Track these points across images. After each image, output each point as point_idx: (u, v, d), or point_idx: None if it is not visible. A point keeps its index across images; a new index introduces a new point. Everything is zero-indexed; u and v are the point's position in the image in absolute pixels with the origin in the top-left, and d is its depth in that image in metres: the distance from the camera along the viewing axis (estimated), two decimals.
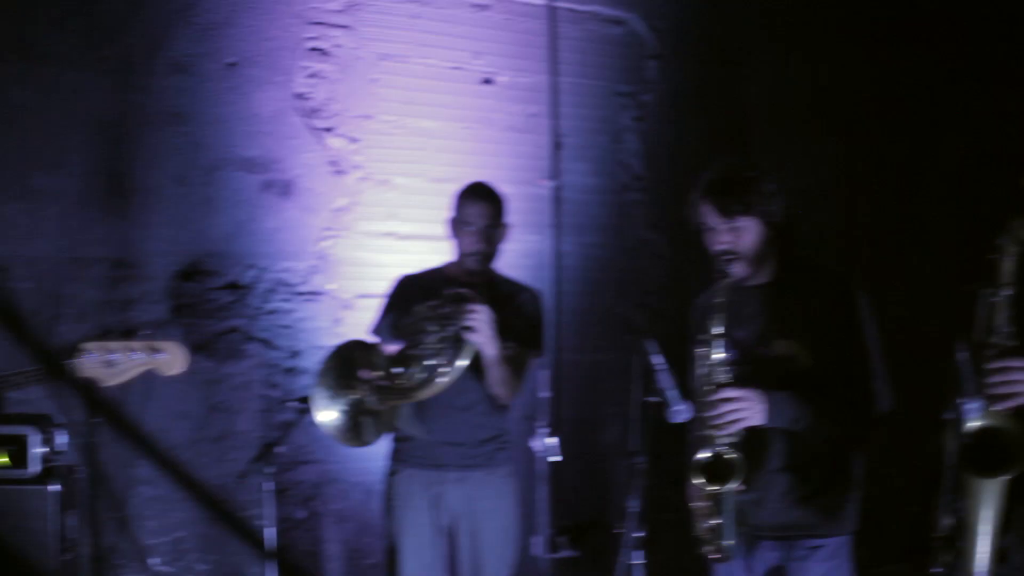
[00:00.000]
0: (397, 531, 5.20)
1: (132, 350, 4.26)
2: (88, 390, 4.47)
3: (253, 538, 5.10)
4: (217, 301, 6.30)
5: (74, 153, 6.07)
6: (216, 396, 6.28)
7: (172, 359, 4.33)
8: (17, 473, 5.06)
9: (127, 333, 4.35)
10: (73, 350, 4.18)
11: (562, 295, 5.72)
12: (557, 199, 5.79)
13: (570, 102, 6.71)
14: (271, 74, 6.49)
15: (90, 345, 4.22)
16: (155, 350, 4.31)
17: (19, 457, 5.05)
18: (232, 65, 6.41)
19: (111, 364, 4.21)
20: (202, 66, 6.35)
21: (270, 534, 5.20)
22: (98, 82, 6.13)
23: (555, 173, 5.84)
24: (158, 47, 6.26)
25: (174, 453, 6.08)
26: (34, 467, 5.07)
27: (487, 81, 7.03)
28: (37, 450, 5.07)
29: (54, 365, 4.18)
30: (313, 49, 6.59)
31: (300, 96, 6.54)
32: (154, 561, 6.06)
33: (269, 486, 5.20)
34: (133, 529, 6.07)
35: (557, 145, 5.98)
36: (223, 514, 6.20)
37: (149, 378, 4.44)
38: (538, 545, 5.31)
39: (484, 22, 7.05)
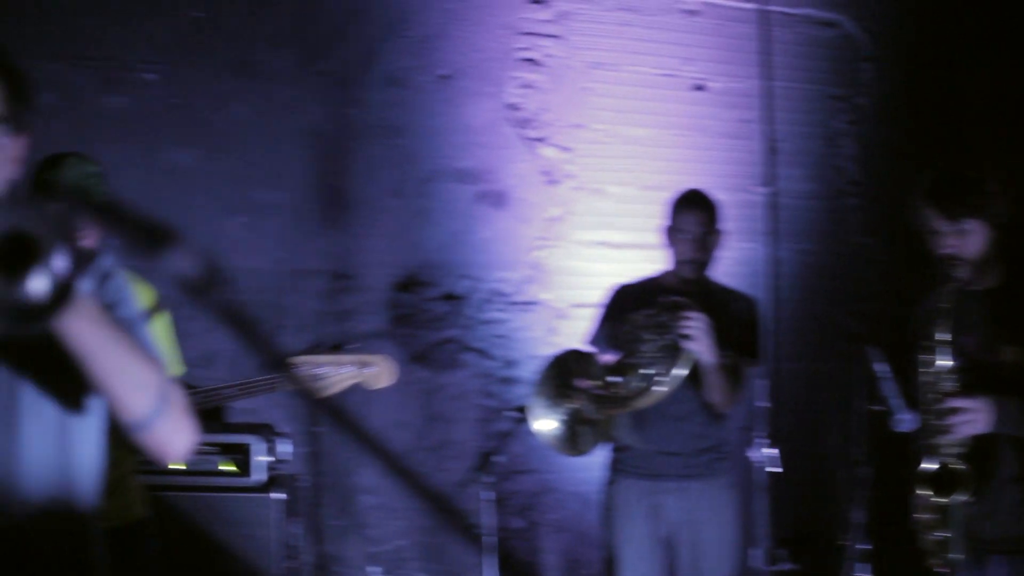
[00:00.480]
0: (615, 541, 5.17)
1: (341, 364, 4.29)
2: (310, 399, 4.54)
3: (472, 547, 5.12)
4: (433, 312, 6.37)
5: (292, 167, 6.20)
6: (433, 406, 6.34)
7: (381, 372, 4.34)
8: (242, 481, 5.16)
9: (336, 347, 4.38)
10: (284, 364, 4.23)
11: (779, 302, 5.65)
12: (772, 205, 5.73)
13: (783, 107, 6.62)
14: (483, 85, 6.54)
15: (300, 359, 4.27)
16: (364, 364, 4.33)
17: (243, 465, 5.15)
18: (445, 77, 6.47)
19: (320, 378, 4.25)
20: (415, 79, 6.42)
21: (489, 543, 5.22)
22: (314, 97, 6.26)
23: (770, 179, 5.77)
24: (372, 61, 6.36)
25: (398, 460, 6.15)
26: (258, 475, 5.15)
27: (699, 87, 6.97)
28: (261, 458, 5.15)
29: (272, 377, 4.24)
30: (524, 59, 6.62)
31: (512, 107, 6.57)
32: (375, 570, 6.13)
33: (488, 495, 5.22)
34: (355, 537, 6.16)
35: (772, 150, 5.91)
36: (443, 523, 6.25)
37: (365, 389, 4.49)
38: (757, 558, 5.25)
39: (695, 28, 7.00)
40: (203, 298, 1.58)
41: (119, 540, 3.90)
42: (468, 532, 5.57)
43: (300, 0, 6.27)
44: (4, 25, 5.71)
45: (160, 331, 4.36)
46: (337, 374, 4.25)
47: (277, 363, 3.94)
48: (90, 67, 5.91)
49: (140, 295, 3.91)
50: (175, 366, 4.46)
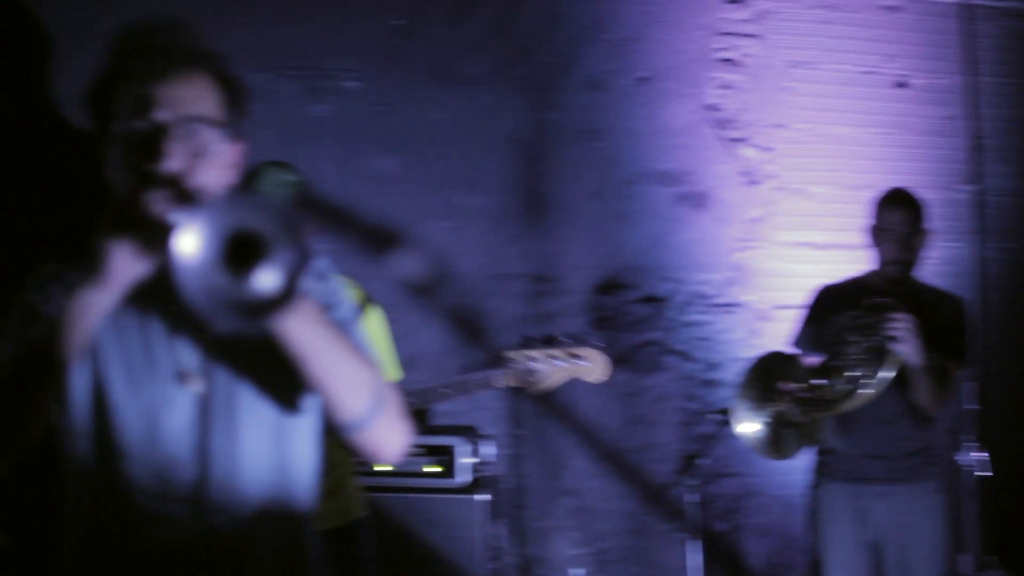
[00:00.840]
0: (821, 546, 5.11)
1: (554, 358, 4.28)
2: (517, 399, 4.56)
3: (676, 550, 5.11)
4: (634, 314, 6.37)
5: (492, 172, 6.26)
6: (635, 408, 6.34)
7: (594, 366, 4.31)
8: (446, 483, 5.22)
9: (549, 340, 4.37)
10: (497, 360, 4.25)
11: (987, 303, 5.53)
12: (979, 203, 5.61)
13: (989, 102, 6.47)
14: (682, 87, 6.51)
15: (513, 354, 4.27)
16: (577, 357, 4.31)
17: (448, 467, 5.21)
18: (644, 79, 6.46)
19: (534, 372, 4.25)
20: (614, 81, 6.43)
21: (692, 546, 5.21)
22: (514, 101, 6.30)
23: (976, 176, 5.66)
24: (571, 65, 6.38)
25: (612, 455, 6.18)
26: (463, 477, 5.21)
27: (901, 84, 6.86)
28: (465, 460, 5.21)
29: (488, 374, 4.27)
30: (723, 60, 6.58)
31: (712, 107, 6.54)
32: (578, 571, 6.15)
33: (692, 498, 5.20)
34: (558, 539, 6.18)
35: (978, 147, 5.79)
36: (647, 524, 6.26)
37: (571, 388, 4.48)
38: (966, 564, 5.15)
39: (896, 24, 6.88)
40: (427, 298, 1.60)
41: (338, 540, 3.98)
42: (672, 534, 5.57)
43: (499, 6, 6.32)
44: (211, 37, 5.86)
45: (374, 330, 4.42)
46: (551, 368, 4.25)
47: (495, 360, 3.97)
48: (294, 77, 6.04)
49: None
50: (392, 369, 4.51)
